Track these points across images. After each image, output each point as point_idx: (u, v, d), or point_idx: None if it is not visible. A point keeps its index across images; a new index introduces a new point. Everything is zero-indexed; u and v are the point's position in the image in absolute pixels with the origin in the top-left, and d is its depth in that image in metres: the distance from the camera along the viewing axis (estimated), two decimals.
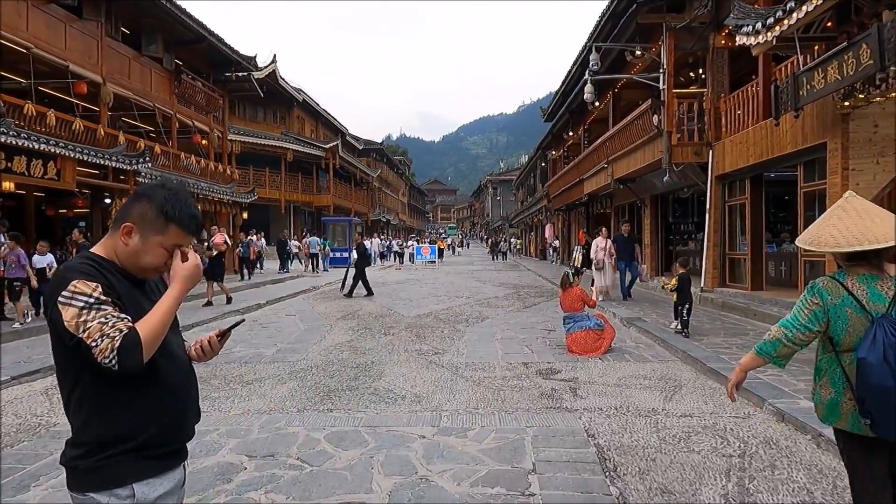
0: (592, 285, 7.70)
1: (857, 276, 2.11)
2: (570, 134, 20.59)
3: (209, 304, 11.91)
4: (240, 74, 22.03)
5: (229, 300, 12.32)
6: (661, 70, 12.00)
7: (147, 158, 14.94)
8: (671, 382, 5.75)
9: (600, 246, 12.02)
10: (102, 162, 13.48)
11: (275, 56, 32.11)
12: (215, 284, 12.29)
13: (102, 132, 14.33)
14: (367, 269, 14.82)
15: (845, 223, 2.10)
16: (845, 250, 2.06)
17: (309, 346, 7.91)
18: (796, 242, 2.38)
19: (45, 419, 4.74)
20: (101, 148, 13.99)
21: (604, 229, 12.98)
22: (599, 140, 16.20)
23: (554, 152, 25.29)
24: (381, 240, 38.36)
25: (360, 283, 14.53)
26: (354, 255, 14.84)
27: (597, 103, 16.52)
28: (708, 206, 11.75)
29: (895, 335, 1.97)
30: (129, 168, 14.50)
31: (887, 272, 2.10)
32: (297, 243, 26.86)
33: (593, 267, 12.01)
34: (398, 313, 11.15)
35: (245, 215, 22.29)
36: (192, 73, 19.73)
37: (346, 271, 15.43)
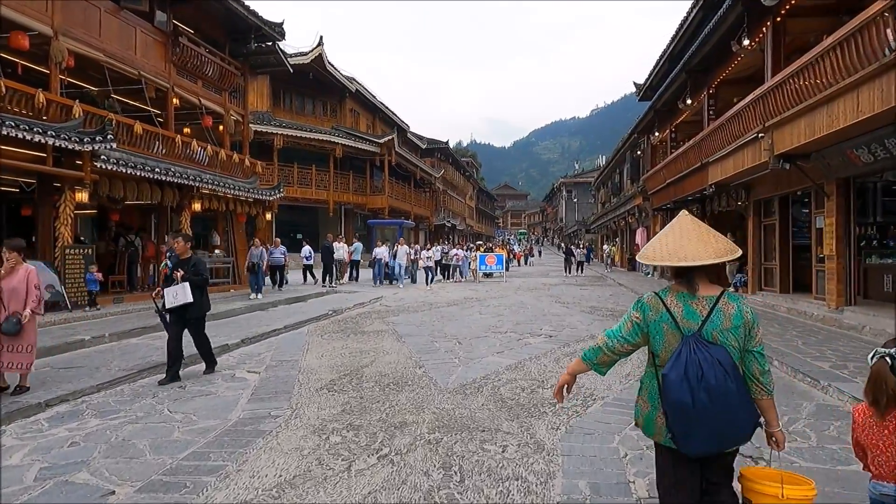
0: None
1: (677, 293, 2.13)
2: (689, 102, 15.05)
3: None
4: (265, 45, 18.09)
5: (19, 390, 5.41)
6: None
7: (109, 136, 10.98)
8: None
9: None
10: (31, 137, 9.60)
11: (321, 38, 28.42)
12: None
13: (42, 98, 10.47)
14: (417, 287, 9.30)
15: (669, 239, 2.15)
16: (657, 263, 2.16)
17: None
18: (636, 257, 2.44)
19: None
20: (37, 121, 10.18)
21: None
22: (750, 98, 10.72)
23: (657, 133, 19.71)
24: (432, 248, 25.38)
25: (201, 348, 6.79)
26: (181, 292, 6.23)
27: (745, 42, 11.08)
28: None
29: (699, 353, 1.97)
30: (79, 149, 10.60)
31: (702, 292, 2.10)
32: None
33: None
34: (428, 379, 6.32)
35: (269, 216, 18.26)
36: (207, 45, 15.93)
37: (166, 322, 6.43)
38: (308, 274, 19.58)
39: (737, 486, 2.26)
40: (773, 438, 2.22)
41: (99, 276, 11.02)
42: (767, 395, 2.14)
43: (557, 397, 2.44)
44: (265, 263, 15.05)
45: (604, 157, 66.00)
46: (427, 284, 19.59)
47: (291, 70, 20.71)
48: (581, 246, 34.76)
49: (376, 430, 4.54)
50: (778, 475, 2.24)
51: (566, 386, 2.42)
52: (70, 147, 10.40)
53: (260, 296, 14.37)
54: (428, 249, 21.71)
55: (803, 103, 8.86)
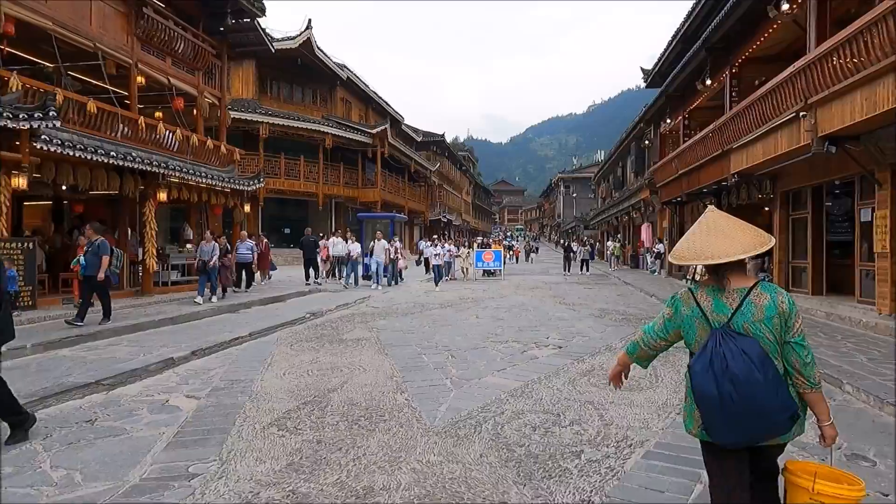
0: None
1: (707, 287, 2.11)
2: (708, 83, 13.66)
3: None
4: (243, 21, 16.62)
5: None
6: None
7: (52, 113, 9.52)
8: None
9: None
10: None
11: (309, 21, 26.93)
12: None
13: None
14: (409, 286, 7.75)
15: (697, 237, 2.11)
16: (686, 263, 2.11)
17: None
18: (668, 258, 2.43)
19: None
20: None
21: None
22: (788, 71, 9.31)
23: (669, 121, 18.31)
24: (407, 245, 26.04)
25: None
26: None
27: (785, 6, 9.68)
28: None
29: (725, 344, 1.94)
30: (14, 126, 9.13)
31: (731, 286, 2.05)
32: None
33: None
34: (410, 410, 4.92)
35: (247, 208, 16.78)
36: (177, 19, 14.46)
37: None
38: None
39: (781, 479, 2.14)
40: (822, 434, 2.07)
41: None
42: (811, 389, 2.01)
43: (615, 382, 2.47)
44: (228, 259, 13.31)
45: (603, 152, 64.65)
46: (435, 285, 17.87)
47: (274, 50, 19.20)
48: (585, 242, 33.27)
49: None
50: (814, 468, 2.11)
51: (622, 373, 2.45)
52: (2, 124, 8.95)
53: (213, 298, 12.19)
54: (437, 245, 20.05)
55: (861, 73, 7.47)
